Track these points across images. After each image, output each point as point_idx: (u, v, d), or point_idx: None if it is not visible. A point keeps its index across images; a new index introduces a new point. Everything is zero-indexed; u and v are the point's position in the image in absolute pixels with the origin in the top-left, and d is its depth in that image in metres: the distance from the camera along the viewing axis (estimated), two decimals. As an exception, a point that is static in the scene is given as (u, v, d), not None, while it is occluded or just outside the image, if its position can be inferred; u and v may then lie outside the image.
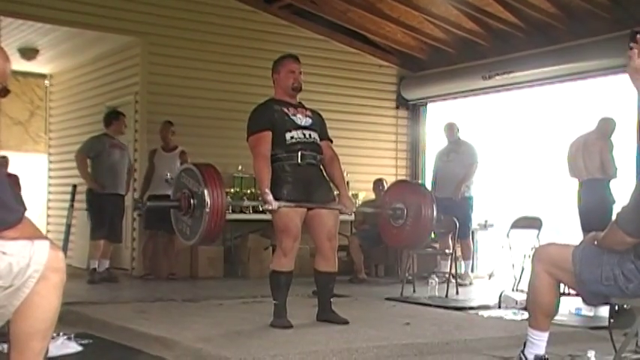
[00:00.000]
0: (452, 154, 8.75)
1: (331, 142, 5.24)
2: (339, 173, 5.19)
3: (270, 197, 4.70)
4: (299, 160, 4.90)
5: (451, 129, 8.87)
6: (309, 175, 4.94)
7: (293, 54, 5.26)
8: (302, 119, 5.03)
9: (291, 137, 4.92)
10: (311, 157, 4.96)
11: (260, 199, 4.87)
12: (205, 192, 4.34)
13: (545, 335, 3.51)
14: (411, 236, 5.18)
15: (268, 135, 4.88)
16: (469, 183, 8.67)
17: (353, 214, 9.29)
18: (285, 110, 5.00)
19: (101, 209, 8.00)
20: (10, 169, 8.97)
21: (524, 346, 3.56)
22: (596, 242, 3.35)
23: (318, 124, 5.14)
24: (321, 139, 5.10)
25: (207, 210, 4.32)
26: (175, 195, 4.61)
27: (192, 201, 4.45)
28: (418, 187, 5.53)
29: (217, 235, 4.45)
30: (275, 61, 5.22)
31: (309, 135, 5.01)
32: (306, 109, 5.15)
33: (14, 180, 9.84)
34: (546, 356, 3.53)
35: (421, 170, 10.85)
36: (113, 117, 8.28)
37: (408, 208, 5.19)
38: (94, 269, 8.02)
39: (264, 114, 4.99)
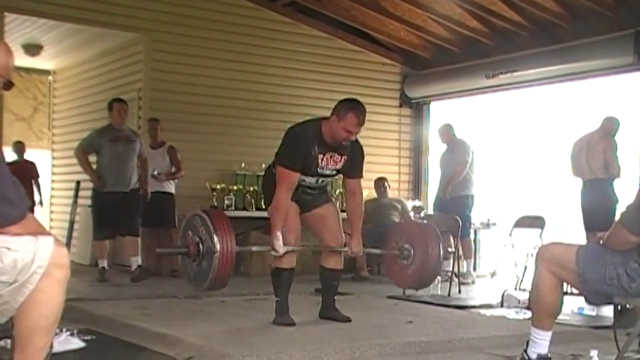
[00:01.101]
0: (448, 155, 8.73)
1: (361, 177, 5.03)
2: (358, 210, 5.00)
3: (280, 243, 4.61)
4: (304, 190, 4.86)
5: (444, 132, 8.81)
6: (309, 195, 4.90)
7: (362, 109, 4.88)
8: (328, 169, 4.84)
9: (303, 180, 4.80)
10: (310, 189, 4.90)
11: (270, 240, 4.68)
12: (215, 238, 4.34)
13: (548, 334, 3.51)
14: (418, 276, 5.19)
15: (296, 176, 4.71)
16: (467, 182, 8.57)
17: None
18: (319, 160, 4.77)
19: (101, 208, 7.52)
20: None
21: (527, 346, 3.57)
22: (601, 242, 3.35)
23: (349, 165, 4.91)
24: (350, 177, 4.96)
25: (217, 256, 4.31)
26: (183, 242, 4.60)
27: (200, 248, 4.43)
28: (425, 227, 5.52)
29: (227, 280, 4.43)
30: (345, 105, 4.83)
31: (322, 181, 4.92)
32: (342, 152, 4.85)
33: (31, 167, 9.75)
34: (549, 355, 3.54)
35: (424, 169, 10.84)
36: (109, 106, 7.67)
37: (415, 248, 5.19)
38: (104, 268, 7.64)
39: (301, 150, 4.72)
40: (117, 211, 7.39)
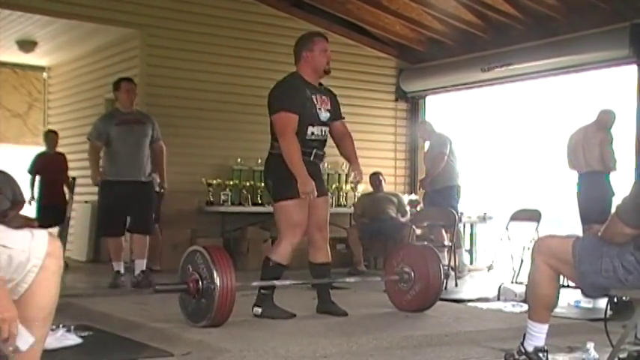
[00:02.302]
0: (430, 151, 8.82)
1: (344, 119, 5.15)
2: (352, 148, 5.09)
3: (312, 185, 4.69)
4: (312, 158, 4.87)
5: (423, 129, 8.94)
6: (315, 172, 4.91)
7: (322, 33, 5.15)
8: (324, 114, 4.93)
9: (312, 133, 4.86)
10: (321, 156, 4.97)
11: (300, 186, 4.66)
12: (215, 274, 4.31)
13: (544, 327, 3.52)
14: (419, 301, 5.17)
15: (296, 119, 4.76)
16: (451, 172, 8.58)
17: (352, 207, 9.36)
18: (314, 100, 4.88)
19: (111, 200, 6.66)
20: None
21: (524, 338, 3.57)
22: (599, 234, 3.36)
23: (333, 108, 5.03)
24: (336, 119, 5.05)
25: (217, 293, 4.28)
26: (183, 276, 4.58)
27: (200, 285, 4.41)
28: (424, 250, 5.51)
29: (228, 317, 4.42)
30: (305, 38, 5.07)
31: (325, 132, 4.97)
32: (326, 94, 5.03)
33: (62, 159, 9.53)
34: (546, 348, 3.54)
35: (420, 163, 10.84)
36: (115, 86, 6.94)
37: (415, 272, 5.18)
38: (119, 272, 6.78)
39: (296, 94, 4.82)
40: (127, 203, 6.62)
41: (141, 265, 6.75)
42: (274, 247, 5.09)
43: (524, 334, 3.57)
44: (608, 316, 5.37)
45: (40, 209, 8.86)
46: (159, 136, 6.93)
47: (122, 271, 6.81)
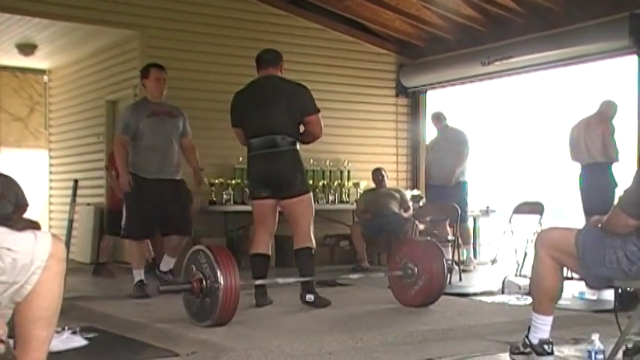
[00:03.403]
0: (442, 142, 8.79)
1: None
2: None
3: None
4: None
5: (437, 118, 8.92)
6: None
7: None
8: None
9: None
10: None
11: None
12: (219, 273, 4.31)
13: (549, 319, 3.52)
14: (423, 296, 5.18)
15: None
16: (462, 169, 8.68)
17: (355, 203, 9.35)
18: None
19: (141, 199, 6.08)
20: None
21: (529, 331, 3.58)
22: (599, 225, 3.35)
23: None
24: None
25: (221, 292, 4.28)
26: (186, 276, 4.58)
27: (204, 285, 4.41)
28: (428, 245, 5.51)
29: (232, 316, 4.43)
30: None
31: None
32: None
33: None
34: (550, 340, 3.55)
35: (422, 158, 10.83)
36: (144, 74, 6.37)
37: (419, 268, 5.19)
38: (142, 281, 6.06)
39: None
40: (161, 203, 6.09)
41: (170, 263, 6.31)
42: (308, 236, 5.27)
43: (529, 327, 3.58)
44: (612, 307, 5.38)
45: None
46: (188, 131, 6.48)
47: (145, 280, 6.11)
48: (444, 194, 8.37)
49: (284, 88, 5.35)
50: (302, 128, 5.34)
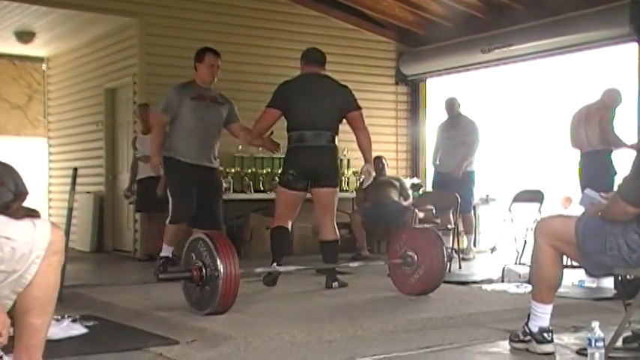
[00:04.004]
0: (452, 130, 8.74)
1: None
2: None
3: None
4: None
5: (451, 104, 8.84)
6: None
7: None
8: None
9: None
10: None
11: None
12: (218, 262, 4.30)
13: (549, 308, 3.53)
14: (423, 284, 5.18)
15: None
16: (471, 159, 8.66)
17: (354, 192, 9.34)
18: None
19: (183, 181, 5.96)
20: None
21: (528, 319, 3.58)
22: (600, 214, 3.35)
23: None
24: None
25: (221, 281, 4.27)
26: (186, 264, 4.58)
27: (204, 272, 4.40)
28: (427, 233, 5.51)
29: (232, 304, 4.42)
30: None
31: None
32: None
33: None
34: (550, 328, 3.55)
35: (422, 146, 10.82)
36: (198, 57, 6.13)
37: (419, 255, 5.19)
38: (168, 257, 6.15)
39: None
40: (201, 191, 6.07)
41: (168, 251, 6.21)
42: (334, 228, 5.70)
43: (529, 315, 3.58)
44: (612, 295, 5.40)
45: None
46: (238, 117, 6.36)
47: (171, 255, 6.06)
48: (451, 182, 8.33)
49: (332, 87, 5.73)
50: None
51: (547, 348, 3.54)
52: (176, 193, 6.05)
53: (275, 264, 5.47)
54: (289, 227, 5.72)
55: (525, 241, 6.89)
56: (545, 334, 3.53)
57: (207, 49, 6.23)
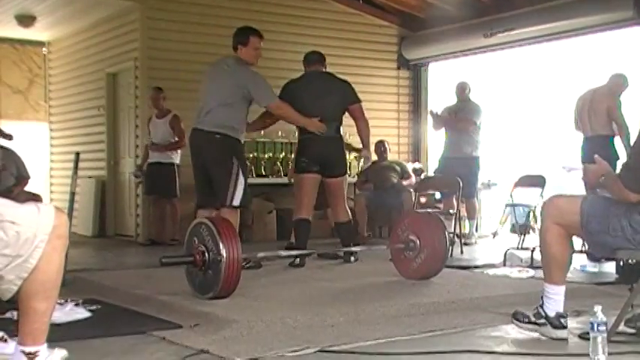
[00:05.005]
0: (459, 113, 8.67)
1: None
2: None
3: None
4: None
5: (462, 88, 8.74)
6: None
7: None
8: None
9: None
10: None
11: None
12: (221, 246, 4.29)
13: (561, 289, 3.48)
14: (425, 268, 5.17)
15: None
16: (477, 142, 8.58)
17: (355, 175, 9.33)
18: None
19: (242, 166, 5.81)
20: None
21: (542, 302, 3.51)
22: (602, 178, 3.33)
23: None
24: None
25: (224, 265, 4.27)
26: (188, 249, 4.57)
27: (206, 257, 4.40)
28: (429, 218, 5.49)
29: (235, 288, 4.42)
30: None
31: None
32: None
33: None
34: (566, 314, 3.51)
35: (423, 131, 10.80)
36: (241, 39, 6.03)
37: (421, 240, 5.18)
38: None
39: None
40: None
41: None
42: (346, 211, 6.41)
43: (542, 297, 3.53)
44: (614, 279, 5.41)
45: None
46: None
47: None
48: (456, 166, 8.26)
49: (334, 83, 6.36)
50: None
51: (562, 334, 3.48)
52: (245, 176, 5.76)
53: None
54: (310, 218, 6.21)
55: (527, 226, 6.89)
56: (562, 320, 3.47)
57: (251, 31, 6.05)
